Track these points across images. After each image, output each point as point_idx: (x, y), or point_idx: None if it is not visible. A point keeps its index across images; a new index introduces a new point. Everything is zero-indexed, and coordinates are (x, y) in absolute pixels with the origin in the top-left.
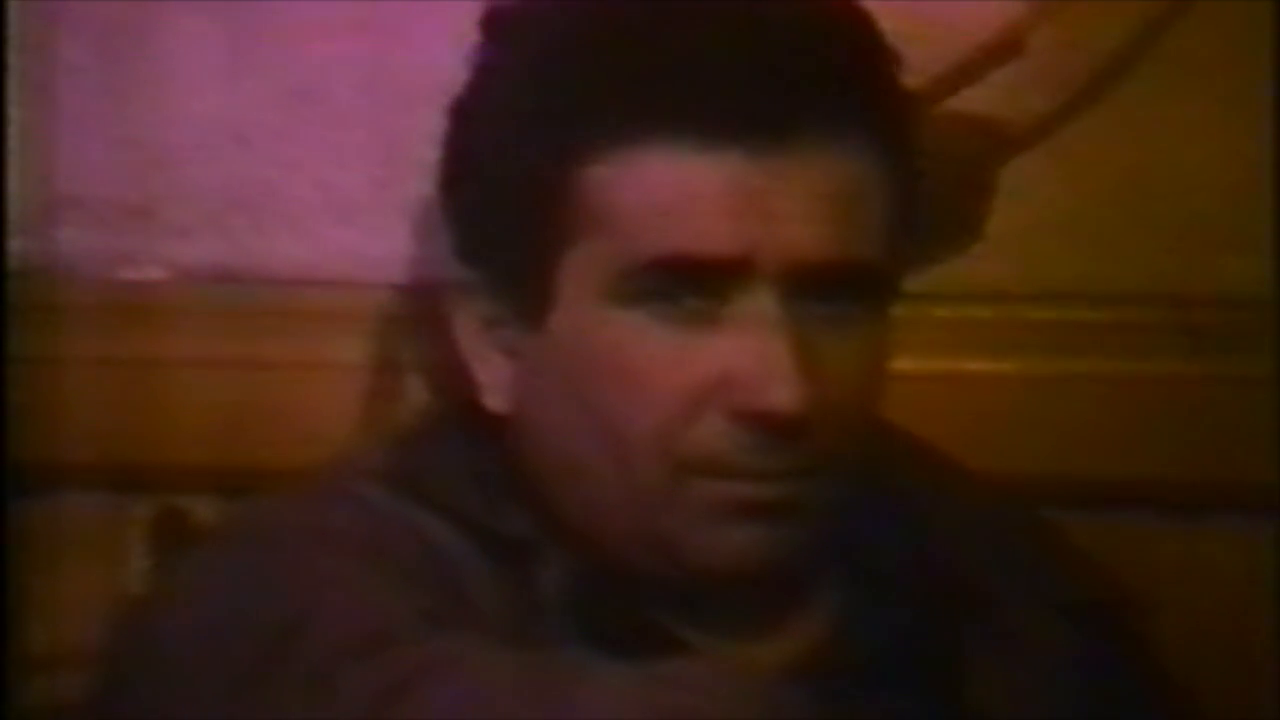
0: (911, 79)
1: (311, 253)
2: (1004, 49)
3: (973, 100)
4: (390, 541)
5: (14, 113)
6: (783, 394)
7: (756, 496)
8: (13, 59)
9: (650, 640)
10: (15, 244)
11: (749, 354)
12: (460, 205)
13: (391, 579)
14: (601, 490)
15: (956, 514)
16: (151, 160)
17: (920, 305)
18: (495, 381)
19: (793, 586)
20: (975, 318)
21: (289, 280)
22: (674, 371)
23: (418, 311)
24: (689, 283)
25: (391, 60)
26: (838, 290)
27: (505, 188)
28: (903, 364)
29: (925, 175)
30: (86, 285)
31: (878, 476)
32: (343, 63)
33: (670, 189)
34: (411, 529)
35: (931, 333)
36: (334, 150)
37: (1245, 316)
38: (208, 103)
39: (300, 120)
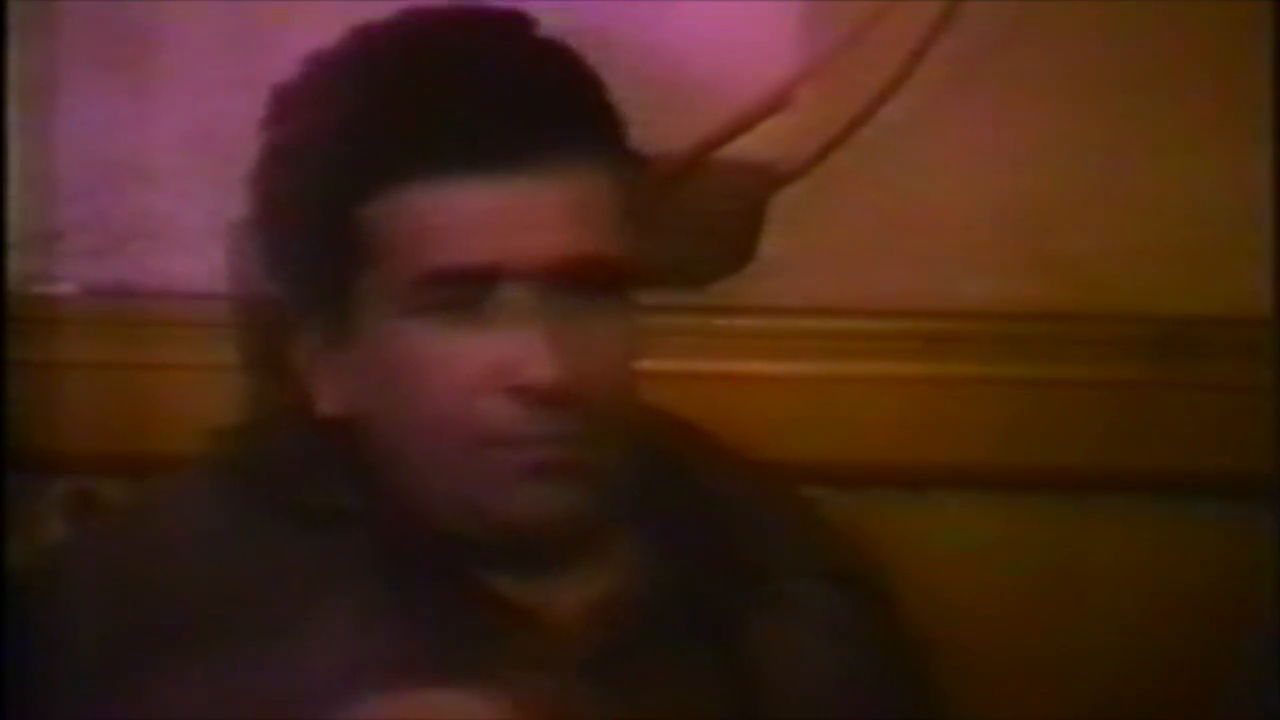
0: (687, 139)
1: (203, 271)
2: (775, 103)
3: (747, 147)
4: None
5: None
6: (541, 369)
7: (542, 459)
8: None
9: (463, 590)
10: None
11: (513, 341)
12: (269, 244)
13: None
14: (418, 465)
15: (729, 488)
16: (66, 194)
17: (705, 317)
18: (327, 394)
19: (587, 539)
20: (752, 328)
21: (183, 294)
22: (457, 364)
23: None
24: (458, 290)
25: None
26: (584, 282)
27: (302, 230)
28: (690, 366)
29: (704, 209)
30: (9, 300)
31: (655, 449)
32: (230, 115)
33: (433, 215)
34: (243, 516)
35: (715, 340)
36: (224, 186)
37: (973, 326)
38: (114, 145)
39: (195, 159)
